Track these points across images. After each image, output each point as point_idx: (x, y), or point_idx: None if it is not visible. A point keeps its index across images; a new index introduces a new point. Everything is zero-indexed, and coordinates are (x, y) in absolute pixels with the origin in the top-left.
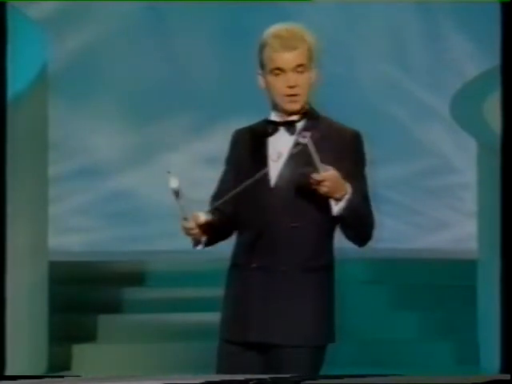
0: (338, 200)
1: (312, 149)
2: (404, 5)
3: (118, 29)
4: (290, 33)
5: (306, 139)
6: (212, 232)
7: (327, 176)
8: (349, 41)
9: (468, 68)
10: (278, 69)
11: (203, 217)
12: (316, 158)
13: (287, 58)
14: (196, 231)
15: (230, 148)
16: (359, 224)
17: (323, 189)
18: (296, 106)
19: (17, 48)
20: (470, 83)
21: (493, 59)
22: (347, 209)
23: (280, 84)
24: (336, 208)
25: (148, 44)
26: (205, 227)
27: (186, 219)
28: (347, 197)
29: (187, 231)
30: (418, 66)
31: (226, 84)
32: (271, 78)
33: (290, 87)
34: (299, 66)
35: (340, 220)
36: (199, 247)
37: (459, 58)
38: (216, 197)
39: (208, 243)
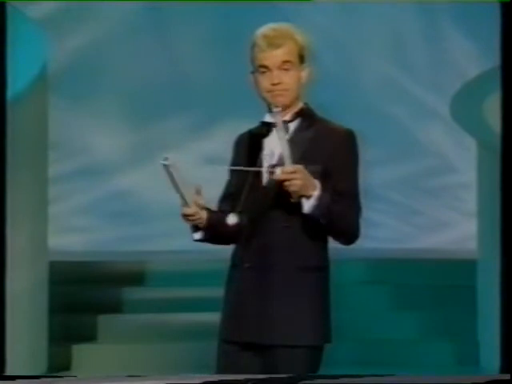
0: (307, 198)
1: (282, 133)
2: (404, 5)
3: (118, 29)
4: (276, 32)
5: (279, 115)
6: (212, 227)
7: (298, 168)
8: (349, 41)
9: (468, 68)
10: (264, 67)
11: (202, 201)
12: (286, 148)
13: (272, 56)
14: (196, 217)
15: (232, 153)
16: (333, 222)
17: (295, 182)
18: (283, 99)
19: (17, 48)
20: (469, 83)
21: (493, 59)
22: (317, 206)
23: (265, 82)
24: (306, 205)
25: (148, 44)
26: (208, 220)
27: (186, 205)
28: (316, 194)
29: (187, 218)
30: (418, 65)
31: (226, 84)
32: (258, 77)
33: (274, 84)
34: (285, 62)
35: (313, 220)
36: (197, 235)
37: (459, 58)
38: (221, 201)
39: (206, 236)
